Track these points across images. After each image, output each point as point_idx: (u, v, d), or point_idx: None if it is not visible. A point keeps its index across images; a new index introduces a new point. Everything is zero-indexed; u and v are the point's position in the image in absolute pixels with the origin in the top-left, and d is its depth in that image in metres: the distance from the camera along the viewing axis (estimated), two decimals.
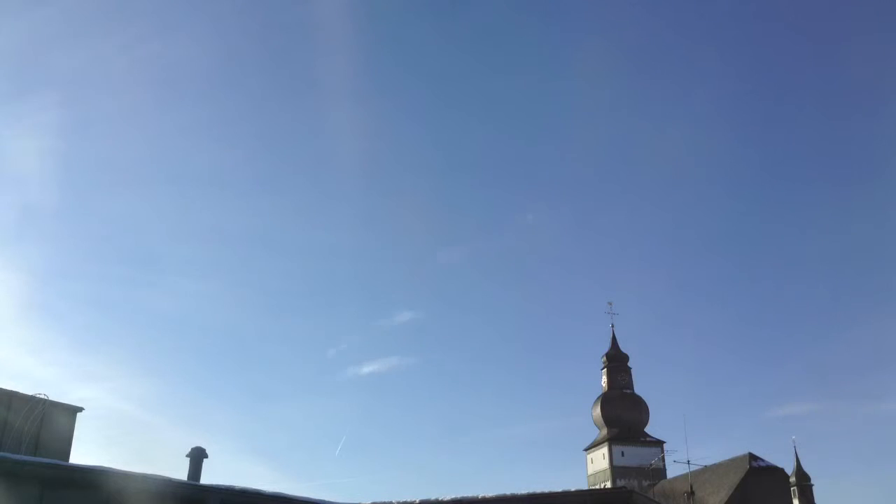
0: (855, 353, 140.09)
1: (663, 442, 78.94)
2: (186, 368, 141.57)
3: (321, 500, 16.23)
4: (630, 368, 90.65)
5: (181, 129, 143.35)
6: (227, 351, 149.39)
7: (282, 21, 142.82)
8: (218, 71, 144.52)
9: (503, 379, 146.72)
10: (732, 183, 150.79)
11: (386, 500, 16.49)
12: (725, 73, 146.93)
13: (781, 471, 63.78)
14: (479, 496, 15.67)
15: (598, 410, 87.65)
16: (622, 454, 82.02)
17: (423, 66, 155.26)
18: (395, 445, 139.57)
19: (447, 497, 15.91)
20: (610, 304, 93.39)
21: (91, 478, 12.58)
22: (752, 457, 62.18)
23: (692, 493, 50.08)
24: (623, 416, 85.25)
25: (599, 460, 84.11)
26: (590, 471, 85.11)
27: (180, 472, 17.20)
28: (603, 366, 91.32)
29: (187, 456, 18.16)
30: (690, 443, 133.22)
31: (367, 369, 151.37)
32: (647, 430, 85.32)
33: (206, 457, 18.21)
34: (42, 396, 16.45)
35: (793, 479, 70.53)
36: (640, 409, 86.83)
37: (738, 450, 68.22)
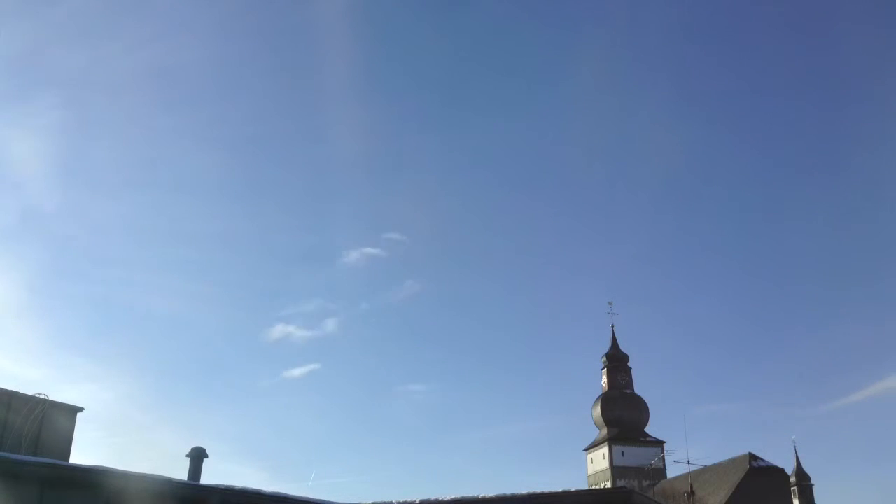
0: (855, 351, 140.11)
1: (663, 442, 79.01)
2: (186, 368, 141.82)
3: (321, 500, 16.21)
4: (630, 368, 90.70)
5: (182, 132, 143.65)
6: (227, 351, 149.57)
7: (282, 24, 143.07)
8: (218, 73, 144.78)
9: (503, 378, 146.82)
10: (733, 183, 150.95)
11: (386, 500, 16.48)
12: (725, 73, 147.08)
13: (781, 471, 63.80)
14: (479, 496, 15.64)
15: (598, 410, 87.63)
16: (622, 454, 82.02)
17: (423, 68, 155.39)
18: (395, 444, 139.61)
19: (447, 497, 15.88)
20: (610, 304, 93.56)
21: (91, 478, 12.57)
22: (752, 457, 62.20)
23: (692, 493, 50.07)
24: (623, 416, 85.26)
25: (599, 460, 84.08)
26: (590, 471, 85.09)
27: (180, 472, 17.20)
28: (603, 366, 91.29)
29: (187, 456, 18.15)
30: (690, 443, 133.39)
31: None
32: (647, 430, 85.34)
33: (206, 457, 18.19)
34: (42, 396, 16.43)
35: (793, 479, 70.48)
36: (640, 409, 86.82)
37: (738, 450, 68.30)
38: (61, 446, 16.60)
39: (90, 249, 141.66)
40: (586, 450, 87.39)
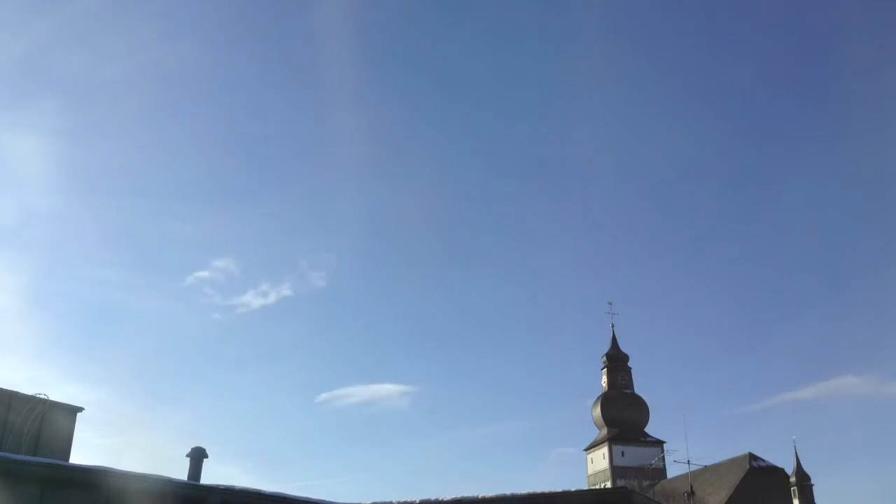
0: (856, 349, 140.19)
1: (663, 442, 79.00)
2: (186, 368, 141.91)
3: (321, 500, 16.19)
4: (630, 368, 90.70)
5: (182, 135, 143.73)
6: (226, 351, 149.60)
7: (283, 27, 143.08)
8: (219, 76, 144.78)
9: (502, 378, 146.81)
10: (734, 183, 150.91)
11: (386, 500, 16.46)
12: (726, 72, 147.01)
13: (781, 471, 63.80)
14: (479, 496, 15.62)
15: (598, 410, 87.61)
16: (622, 454, 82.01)
17: (423, 69, 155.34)
18: (394, 444, 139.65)
19: (447, 497, 15.86)
20: (610, 303, 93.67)
21: (91, 478, 12.55)
22: (752, 457, 62.22)
23: (692, 493, 50.08)
24: (623, 416, 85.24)
25: (599, 460, 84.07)
26: (590, 471, 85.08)
27: (180, 472, 17.18)
28: (603, 366, 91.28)
29: (187, 456, 18.12)
30: (690, 443, 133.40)
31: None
32: (647, 430, 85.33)
33: (206, 457, 18.15)
34: (42, 396, 16.41)
35: (793, 479, 70.45)
36: (640, 409, 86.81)
37: (738, 450, 68.29)
38: (61, 446, 16.59)
39: (90, 250, 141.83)
40: (586, 450, 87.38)
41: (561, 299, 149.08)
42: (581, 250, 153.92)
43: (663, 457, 71.20)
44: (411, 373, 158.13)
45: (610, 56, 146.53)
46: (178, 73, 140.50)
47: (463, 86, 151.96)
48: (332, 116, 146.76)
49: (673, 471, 71.25)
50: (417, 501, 15.98)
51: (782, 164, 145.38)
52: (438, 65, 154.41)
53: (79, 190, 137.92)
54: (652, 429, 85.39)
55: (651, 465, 72.31)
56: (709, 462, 55.69)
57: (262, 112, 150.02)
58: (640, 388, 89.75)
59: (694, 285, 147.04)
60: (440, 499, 15.89)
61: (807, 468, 75.86)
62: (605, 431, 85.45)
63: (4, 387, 16.07)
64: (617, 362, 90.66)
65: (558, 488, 15.99)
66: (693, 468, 49.97)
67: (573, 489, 16.76)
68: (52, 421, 16.40)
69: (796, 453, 76.81)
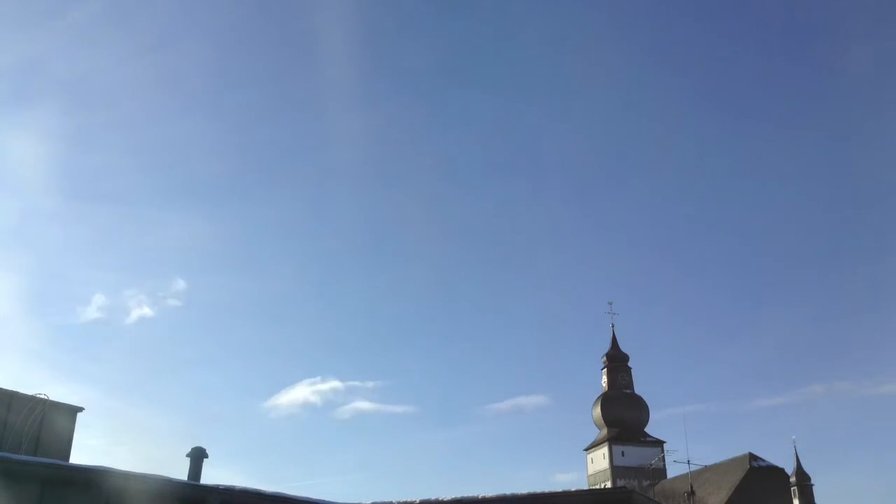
0: (856, 350, 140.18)
1: (663, 442, 79.07)
2: (187, 368, 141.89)
3: (321, 500, 16.17)
4: (630, 368, 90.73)
5: (182, 139, 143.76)
6: (225, 351, 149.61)
7: (283, 31, 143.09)
8: (219, 81, 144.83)
9: (502, 378, 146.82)
10: (734, 182, 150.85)
11: (386, 500, 16.44)
12: (725, 71, 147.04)
13: (781, 471, 63.79)
14: (479, 496, 15.61)
15: (598, 410, 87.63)
16: (622, 454, 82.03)
17: (424, 68, 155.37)
18: (393, 443, 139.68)
19: (447, 497, 15.85)
20: (610, 303, 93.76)
21: (91, 478, 12.54)
22: (752, 457, 62.20)
23: (692, 493, 50.06)
24: (623, 416, 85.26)
25: (599, 460, 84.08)
26: (590, 471, 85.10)
27: (180, 472, 17.17)
28: (603, 366, 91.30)
29: (187, 456, 18.10)
30: (690, 443, 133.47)
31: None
32: (647, 430, 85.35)
33: (206, 457, 18.13)
34: (42, 396, 16.39)
35: (793, 479, 70.46)
36: (640, 409, 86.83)
37: (738, 450, 68.29)
38: (61, 446, 16.57)
39: (89, 252, 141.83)
40: (586, 450, 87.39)
41: (561, 299, 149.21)
42: (581, 250, 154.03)
43: (663, 457, 71.23)
44: (412, 372, 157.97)
45: (611, 56, 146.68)
46: (179, 76, 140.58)
47: (463, 85, 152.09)
48: (333, 116, 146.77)
49: (673, 471, 71.36)
50: (417, 501, 15.97)
51: (782, 164, 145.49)
52: (439, 64, 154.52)
53: (77, 192, 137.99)
54: (652, 429, 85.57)
55: (651, 465, 72.33)
56: (709, 462, 55.88)
57: (264, 114, 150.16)
58: (640, 388, 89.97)
59: (694, 285, 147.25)
60: (440, 499, 15.88)
61: (807, 468, 76.04)
62: (605, 431, 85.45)
63: (4, 387, 16.07)
64: (617, 362, 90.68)
65: (558, 488, 16.01)
66: (693, 468, 50.04)
67: (573, 489, 16.77)
68: (52, 421, 16.37)
69: (796, 453, 76.98)
